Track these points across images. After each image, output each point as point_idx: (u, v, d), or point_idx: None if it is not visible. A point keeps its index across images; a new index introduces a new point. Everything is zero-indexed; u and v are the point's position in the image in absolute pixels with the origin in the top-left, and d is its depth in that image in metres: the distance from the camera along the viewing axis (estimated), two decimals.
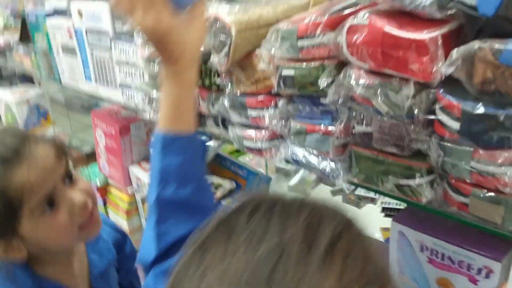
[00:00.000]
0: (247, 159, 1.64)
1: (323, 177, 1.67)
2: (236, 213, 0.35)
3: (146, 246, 0.64)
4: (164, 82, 0.66)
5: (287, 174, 1.81)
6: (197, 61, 0.69)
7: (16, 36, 1.86)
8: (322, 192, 1.65)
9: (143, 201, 1.44)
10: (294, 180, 1.69)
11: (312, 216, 0.33)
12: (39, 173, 0.65)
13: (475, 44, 0.47)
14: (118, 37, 1.09)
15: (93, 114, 1.45)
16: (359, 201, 1.64)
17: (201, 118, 0.96)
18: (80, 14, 1.17)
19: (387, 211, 1.53)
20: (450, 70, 0.49)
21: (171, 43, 0.63)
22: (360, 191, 1.62)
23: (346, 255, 0.31)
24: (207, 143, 1.34)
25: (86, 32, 1.19)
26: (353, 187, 1.67)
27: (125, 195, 1.47)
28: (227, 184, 1.24)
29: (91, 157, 1.59)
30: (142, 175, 1.38)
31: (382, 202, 1.56)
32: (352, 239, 0.34)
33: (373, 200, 1.62)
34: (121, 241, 0.92)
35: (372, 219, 1.48)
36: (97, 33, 1.14)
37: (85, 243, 0.82)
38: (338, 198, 1.65)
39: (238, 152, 1.65)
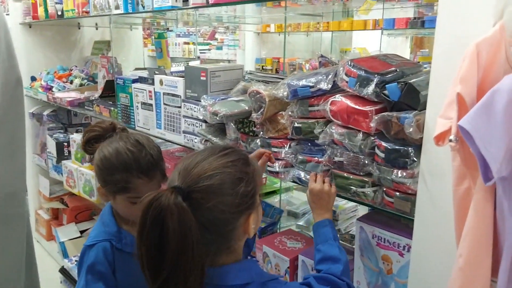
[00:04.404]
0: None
1: None
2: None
3: None
4: None
5: (295, 216, 2.25)
6: None
7: (96, 93, 2.44)
8: None
9: None
10: (302, 221, 2.11)
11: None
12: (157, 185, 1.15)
13: (385, 114, 0.97)
14: (187, 99, 1.62)
15: None
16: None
17: None
18: (161, 82, 1.72)
19: None
20: (373, 125, 0.98)
21: None
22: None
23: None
24: None
25: (163, 95, 1.73)
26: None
27: None
28: None
29: None
30: None
31: None
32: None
33: None
34: None
35: None
36: (172, 96, 1.69)
37: None
38: None
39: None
